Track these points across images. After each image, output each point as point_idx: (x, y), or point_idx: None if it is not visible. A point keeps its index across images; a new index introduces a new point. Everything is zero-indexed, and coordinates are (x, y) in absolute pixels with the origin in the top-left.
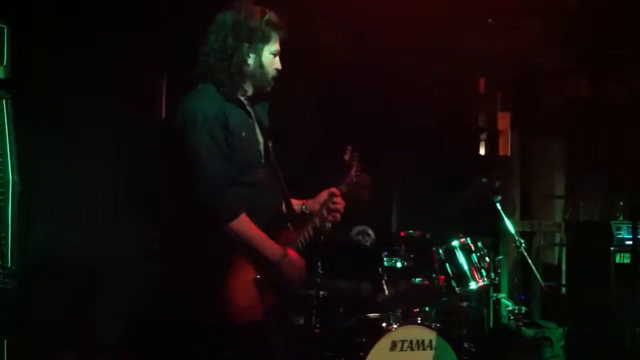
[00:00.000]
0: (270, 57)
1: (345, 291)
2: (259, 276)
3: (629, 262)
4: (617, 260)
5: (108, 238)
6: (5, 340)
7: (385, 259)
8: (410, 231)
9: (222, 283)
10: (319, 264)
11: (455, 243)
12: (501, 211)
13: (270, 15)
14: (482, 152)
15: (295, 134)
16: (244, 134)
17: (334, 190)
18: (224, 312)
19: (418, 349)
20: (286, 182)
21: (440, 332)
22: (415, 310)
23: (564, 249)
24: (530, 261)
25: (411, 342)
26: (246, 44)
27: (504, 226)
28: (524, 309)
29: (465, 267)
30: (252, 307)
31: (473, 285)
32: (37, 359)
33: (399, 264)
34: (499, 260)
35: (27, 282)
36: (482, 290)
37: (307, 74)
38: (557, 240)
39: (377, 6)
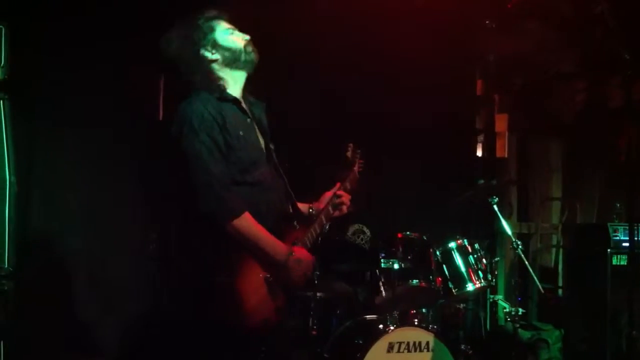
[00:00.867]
0: (227, 37)
1: (343, 293)
2: (269, 275)
3: (625, 264)
4: (614, 262)
5: (107, 238)
6: (2, 342)
7: (382, 260)
8: (408, 233)
9: (232, 283)
10: (317, 265)
11: (452, 245)
12: (498, 213)
13: (202, 16)
14: (479, 154)
15: (297, 135)
16: (241, 132)
17: (338, 186)
18: (235, 312)
19: (415, 350)
20: (290, 182)
21: (437, 334)
22: (412, 312)
23: (561, 251)
24: (527, 263)
25: (408, 344)
26: (201, 50)
27: (501, 228)
28: (521, 310)
29: (463, 269)
30: (263, 306)
31: (470, 287)
32: None
33: (396, 266)
34: (496, 262)
35: (24, 283)
36: (479, 292)
37: (307, 75)
38: (554, 242)
39: (377, 8)
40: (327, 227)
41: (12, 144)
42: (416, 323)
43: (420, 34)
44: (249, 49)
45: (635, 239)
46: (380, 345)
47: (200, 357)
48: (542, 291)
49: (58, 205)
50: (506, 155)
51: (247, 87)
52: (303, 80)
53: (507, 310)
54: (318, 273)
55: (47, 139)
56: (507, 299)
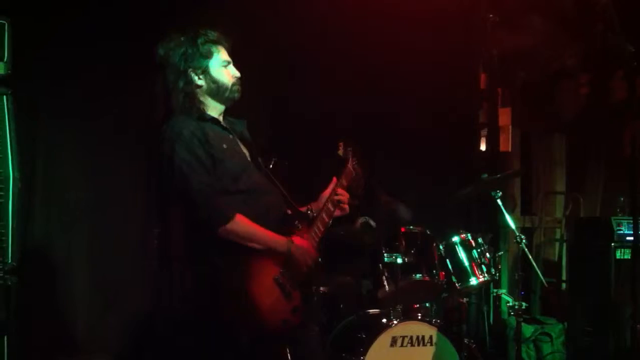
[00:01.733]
0: (221, 69)
1: (346, 287)
2: (277, 276)
3: (629, 257)
4: (618, 256)
5: (110, 235)
6: (5, 337)
7: (385, 254)
8: (411, 227)
9: (243, 288)
10: (320, 259)
11: (455, 239)
12: (502, 207)
13: (206, 34)
14: (482, 148)
15: (295, 135)
16: (225, 145)
17: (333, 183)
18: (252, 316)
19: (418, 344)
20: (288, 189)
21: (441, 328)
22: (415, 306)
23: (564, 245)
24: (530, 257)
25: (411, 338)
26: (190, 70)
27: (504, 222)
28: (524, 304)
29: (466, 263)
30: (279, 307)
31: (473, 281)
32: (37, 357)
33: (399, 260)
34: (500, 256)
35: (27, 278)
36: (483, 286)
37: (309, 71)
38: (558, 236)
39: (379, 2)
40: (329, 223)
41: (15, 140)
42: (419, 317)
43: (423, 28)
44: (235, 87)
45: (639, 232)
46: (384, 339)
47: (200, 354)
48: (546, 285)
49: (61, 202)
50: (510, 150)
51: (225, 114)
52: (304, 77)
53: (511, 304)
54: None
55: (50, 135)
56: (510, 293)
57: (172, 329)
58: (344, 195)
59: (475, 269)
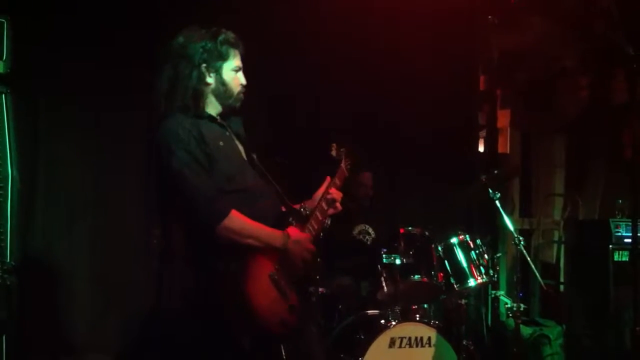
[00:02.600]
0: (232, 73)
1: (345, 288)
2: (273, 272)
3: (627, 260)
4: (616, 258)
5: (110, 234)
6: (4, 337)
7: (384, 256)
8: (410, 228)
9: (239, 288)
10: (318, 260)
11: (454, 240)
12: (500, 208)
13: (226, 34)
14: (481, 149)
15: (293, 134)
16: (221, 143)
17: (327, 183)
18: (246, 316)
19: (417, 346)
20: (284, 189)
21: (439, 330)
22: (414, 307)
23: (562, 247)
24: (529, 259)
25: (410, 339)
26: (203, 65)
27: (503, 223)
28: (522, 306)
29: (464, 264)
30: (276, 306)
31: (472, 283)
32: (36, 356)
33: (398, 261)
34: (498, 257)
35: (27, 278)
36: (481, 287)
37: (307, 71)
38: (556, 238)
39: (378, 3)
40: (328, 223)
41: (15, 138)
42: (418, 318)
43: (422, 30)
44: (240, 95)
45: (639, 234)
46: (382, 340)
47: (201, 353)
48: (544, 287)
49: (61, 201)
50: (508, 151)
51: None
52: (305, 78)
53: (509, 305)
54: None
55: (49, 133)
56: (508, 294)
57: (172, 329)
58: (336, 194)
59: (474, 270)
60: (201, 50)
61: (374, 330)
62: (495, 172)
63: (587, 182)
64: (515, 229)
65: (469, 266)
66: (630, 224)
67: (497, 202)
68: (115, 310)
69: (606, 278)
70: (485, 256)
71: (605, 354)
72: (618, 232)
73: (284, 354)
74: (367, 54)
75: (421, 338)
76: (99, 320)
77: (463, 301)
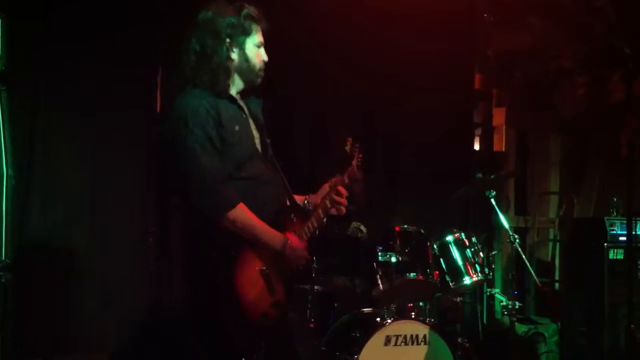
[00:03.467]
0: (254, 49)
1: (340, 286)
2: (264, 267)
3: (622, 258)
4: (611, 256)
5: (106, 231)
6: (0, 335)
7: (379, 254)
8: (405, 226)
9: (228, 277)
10: (314, 258)
11: (449, 238)
12: (496, 207)
13: (249, 9)
14: (476, 147)
15: (295, 129)
16: (237, 127)
17: (335, 181)
18: (231, 306)
19: (412, 344)
20: (287, 176)
21: (434, 327)
22: (409, 305)
23: (557, 245)
24: (524, 257)
25: (405, 337)
26: (227, 40)
27: (498, 222)
28: (517, 304)
29: (460, 262)
30: (262, 300)
31: (467, 281)
32: (33, 355)
33: (393, 259)
34: (493, 255)
35: (22, 276)
36: (476, 285)
37: (308, 71)
38: (551, 236)
39: (374, 1)
40: (324, 221)
41: (10, 136)
42: (413, 316)
43: (418, 28)
44: (261, 72)
45: (633, 233)
46: (378, 338)
47: (198, 352)
48: (539, 285)
49: (57, 198)
50: (503, 149)
51: (244, 93)
52: (304, 75)
53: (504, 303)
54: (316, 266)
55: (45, 131)
56: (504, 292)
57: (168, 323)
58: (343, 194)
59: (469, 268)
60: (227, 25)
61: (369, 328)
62: (492, 176)
63: (582, 180)
64: (510, 227)
65: (464, 264)
66: (625, 222)
67: (493, 200)
68: (112, 308)
69: (601, 276)
70: (481, 254)
71: (600, 352)
72: (613, 230)
73: (263, 347)
74: (361, 52)
75: (417, 336)
76: (96, 319)
77: (458, 299)
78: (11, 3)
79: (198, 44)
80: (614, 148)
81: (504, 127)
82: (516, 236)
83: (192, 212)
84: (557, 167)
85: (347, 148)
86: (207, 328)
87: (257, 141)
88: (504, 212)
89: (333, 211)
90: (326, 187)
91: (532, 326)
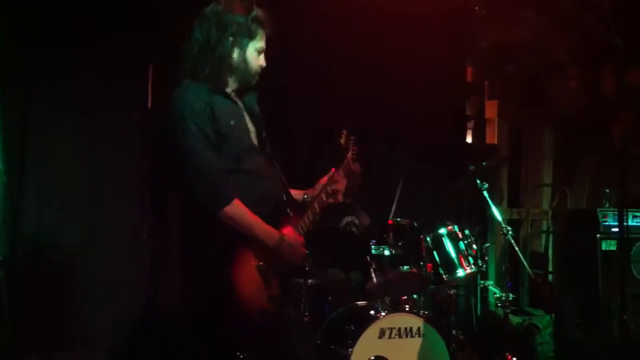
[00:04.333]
0: (254, 53)
1: (334, 280)
2: (261, 263)
3: (614, 249)
4: (604, 247)
5: (100, 228)
6: None
7: (373, 247)
8: (398, 219)
9: (224, 272)
10: (308, 252)
11: (442, 231)
12: (489, 199)
13: (258, 12)
14: (469, 140)
15: (292, 122)
16: (232, 122)
17: (332, 172)
18: (228, 302)
19: (406, 336)
20: (284, 170)
21: (429, 320)
22: (403, 298)
23: (551, 237)
24: (517, 249)
25: (399, 329)
26: (231, 38)
27: (491, 214)
28: (511, 296)
29: (453, 254)
30: (258, 295)
31: (461, 273)
32: (27, 353)
33: (387, 252)
34: (487, 247)
35: (17, 275)
36: (470, 277)
37: (303, 65)
38: (545, 227)
39: None
40: (318, 216)
41: (2, 134)
42: (407, 309)
43: (410, 22)
44: (256, 76)
45: (625, 224)
46: (372, 331)
47: (195, 348)
48: (533, 277)
49: (51, 196)
50: (496, 142)
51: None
52: (299, 72)
53: (498, 295)
54: (310, 260)
55: (39, 129)
56: (497, 284)
57: (163, 320)
58: (340, 183)
59: (463, 260)
60: (234, 23)
61: (363, 321)
62: (484, 164)
63: (575, 172)
64: (503, 219)
65: (457, 257)
66: (617, 213)
67: (486, 193)
68: (108, 306)
69: (594, 267)
70: (474, 246)
71: (593, 343)
72: (605, 221)
73: (259, 341)
74: (354, 47)
75: (411, 328)
76: (92, 317)
77: (452, 291)
78: (3, 1)
79: (202, 34)
80: (606, 140)
81: (496, 119)
82: (509, 228)
83: (189, 208)
84: (550, 159)
85: (342, 141)
86: (204, 324)
87: (253, 135)
88: (497, 205)
89: (330, 200)
90: (322, 182)
91: (526, 318)
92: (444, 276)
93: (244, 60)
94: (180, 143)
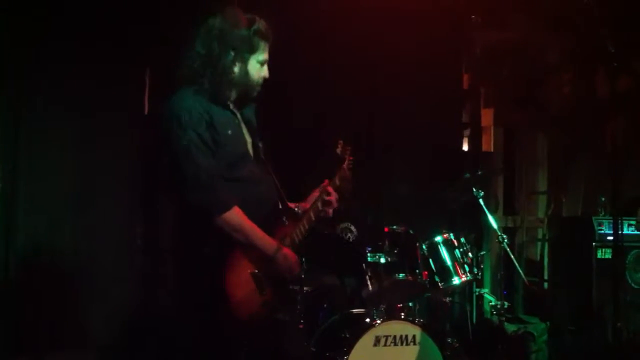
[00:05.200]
0: (257, 65)
1: (330, 286)
2: (256, 270)
3: (610, 257)
4: (599, 255)
5: (94, 232)
6: None
7: (369, 254)
8: (394, 227)
9: (219, 277)
10: (303, 259)
11: (438, 238)
12: (484, 207)
13: (259, 25)
14: (465, 148)
15: (287, 130)
16: (229, 132)
17: (326, 183)
18: (221, 307)
19: (402, 344)
20: (280, 180)
21: (424, 328)
22: (398, 305)
23: (546, 244)
24: (512, 256)
25: (395, 337)
26: (232, 52)
27: (487, 222)
28: (506, 304)
29: (449, 262)
30: (250, 301)
31: (456, 281)
32: (22, 354)
33: (382, 260)
34: (482, 255)
35: (11, 276)
36: (465, 285)
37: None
38: (540, 235)
39: (363, 2)
40: (314, 224)
41: None
42: (403, 316)
43: (406, 29)
44: (258, 87)
45: (619, 232)
46: (367, 338)
47: (187, 351)
48: (528, 284)
49: (44, 197)
50: (492, 149)
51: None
52: (294, 78)
53: (493, 303)
54: (305, 267)
55: (32, 131)
56: (493, 292)
57: (157, 322)
58: (333, 196)
59: (458, 268)
60: (236, 37)
61: (359, 328)
62: (479, 173)
63: (570, 179)
64: (499, 227)
65: (453, 264)
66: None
67: (481, 201)
68: (100, 308)
69: (589, 275)
70: (470, 254)
71: (588, 350)
72: (601, 229)
73: (250, 346)
74: (349, 53)
75: (406, 336)
76: (85, 318)
77: (447, 299)
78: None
79: (203, 48)
80: (600, 145)
81: (492, 127)
82: (505, 236)
83: (184, 212)
84: (545, 166)
85: (339, 150)
86: (197, 328)
87: (249, 146)
88: (493, 212)
89: (322, 214)
90: (316, 193)
91: (521, 325)
92: (439, 284)
93: (245, 73)
94: (177, 147)
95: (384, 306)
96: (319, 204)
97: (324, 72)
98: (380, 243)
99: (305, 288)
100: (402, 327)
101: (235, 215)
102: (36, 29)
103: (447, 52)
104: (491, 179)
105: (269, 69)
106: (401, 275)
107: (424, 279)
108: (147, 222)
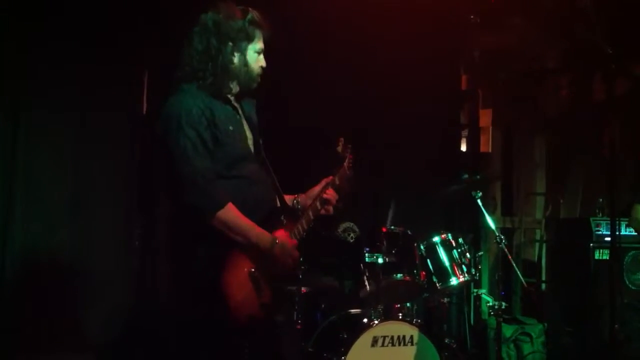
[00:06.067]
0: (254, 55)
1: (327, 287)
2: (253, 269)
3: (607, 258)
4: (597, 256)
5: (91, 233)
6: None
7: (366, 254)
8: (392, 227)
9: (216, 278)
10: (302, 259)
11: (436, 239)
12: (482, 207)
13: (253, 14)
14: (463, 149)
15: (287, 128)
16: (231, 128)
17: (326, 182)
18: (220, 308)
19: (399, 344)
20: (279, 177)
21: (421, 328)
22: (396, 306)
23: (544, 246)
24: (510, 257)
25: (392, 337)
26: (230, 44)
27: (485, 222)
28: (504, 305)
29: (447, 263)
30: (249, 302)
31: (454, 281)
32: (21, 355)
33: (380, 260)
34: (480, 256)
35: (7, 278)
36: (463, 286)
37: (298, 73)
38: (538, 236)
39: (362, 4)
40: (312, 223)
41: None
42: (400, 317)
43: (405, 30)
44: (258, 78)
45: (617, 233)
46: (365, 339)
47: (184, 353)
48: (526, 285)
49: (41, 199)
50: (490, 150)
51: (238, 95)
52: (294, 77)
53: (491, 304)
54: (303, 267)
55: (28, 134)
56: (490, 293)
57: (156, 323)
58: (332, 196)
59: (456, 269)
60: (233, 29)
61: (356, 329)
62: (477, 177)
63: (568, 181)
64: (497, 228)
65: (451, 265)
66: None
67: (479, 201)
68: (98, 309)
69: (587, 276)
70: (467, 255)
71: (585, 352)
72: (599, 230)
73: (248, 348)
74: (348, 56)
75: (403, 337)
76: (82, 319)
77: (445, 300)
78: None
79: (201, 43)
80: (597, 148)
81: (490, 128)
82: (503, 237)
83: (180, 212)
84: (543, 167)
85: (339, 149)
86: (194, 329)
87: (250, 142)
88: (491, 213)
89: (322, 211)
90: (316, 189)
91: (518, 326)
92: (437, 284)
93: (245, 64)
94: (175, 147)
95: (382, 307)
96: (318, 204)
97: (324, 71)
98: (378, 243)
99: (303, 288)
100: (400, 327)
101: (230, 212)
102: (34, 30)
103: (445, 53)
104: (489, 182)
105: (270, 65)
106: (399, 275)
107: (421, 279)
108: (144, 223)
